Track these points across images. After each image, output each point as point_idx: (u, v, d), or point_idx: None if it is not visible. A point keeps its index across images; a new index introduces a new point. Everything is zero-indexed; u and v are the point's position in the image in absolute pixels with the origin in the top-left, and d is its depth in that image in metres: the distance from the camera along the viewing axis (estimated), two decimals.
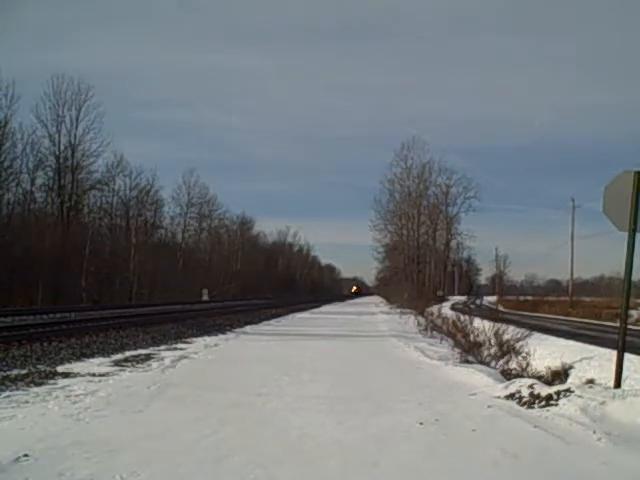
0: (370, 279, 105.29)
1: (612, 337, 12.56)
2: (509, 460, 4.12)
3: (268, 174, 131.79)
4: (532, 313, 39.11)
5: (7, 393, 6.11)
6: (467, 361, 9.89)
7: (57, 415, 5.17)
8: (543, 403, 5.89)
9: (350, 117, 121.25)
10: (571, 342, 15.24)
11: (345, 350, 11.98)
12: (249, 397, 6.27)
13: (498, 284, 77.59)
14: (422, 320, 20.94)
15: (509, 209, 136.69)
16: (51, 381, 6.91)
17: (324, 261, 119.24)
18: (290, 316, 25.32)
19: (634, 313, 26.64)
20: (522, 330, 10.75)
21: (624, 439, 4.64)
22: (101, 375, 7.48)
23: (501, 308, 41.06)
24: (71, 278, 30.10)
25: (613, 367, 6.53)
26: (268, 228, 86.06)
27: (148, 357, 9.47)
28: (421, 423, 5.15)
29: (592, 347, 13.24)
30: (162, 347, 11.07)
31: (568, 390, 5.99)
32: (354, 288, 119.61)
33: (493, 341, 10.47)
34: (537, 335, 13.45)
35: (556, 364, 10.57)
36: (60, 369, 7.86)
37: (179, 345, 11.57)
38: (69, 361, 8.73)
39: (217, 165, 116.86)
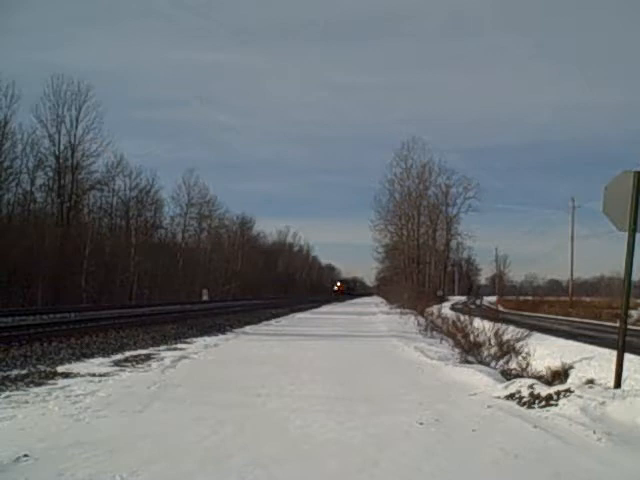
0: (370, 279, 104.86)
1: (612, 337, 12.56)
2: (509, 460, 4.12)
3: (268, 174, 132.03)
4: (532, 313, 39.12)
5: (7, 393, 6.10)
6: (467, 361, 9.89)
7: (57, 415, 5.17)
8: (543, 403, 5.89)
9: (350, 117, 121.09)
10: (571, 342, 15.24)
11: (345, 350, 11.98)
12: (249, 397, 6.27)
13: (498, 284, 77.65)
14: (422, 320, 20.93)
15: (509, 209, 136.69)
16: (51, 381, 6.90)
17: (324, 261, 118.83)
18: (290, 316, 25.31)
19: (634, 313, 26.64)
20: (522, 330, 10.75)
21: (624, 439, 4.64)
22: (101, 375, 7.47)
23: (501, 308, 41.08)
24: (71, 278, 30.10)
25: (613, 367, 6.53)
26: (268, 228, 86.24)
27: (148, 357, 9.46)
28: (421, 423, 5.15)
29: (592, 347, 13.24)
30: (162, 347, 11.06)
31: (568, 390, 5.99)
32: (338, 285, 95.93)
33: (493, 341, 10.47)
34: (537, 335, 13.45)
35: (556, 364, 10.57)
36: (60, 369, 7.85)
37: (179, 345, 11.56)
38: (69, 361, 8.72)
39: (217, 165, 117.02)
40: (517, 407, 5.96)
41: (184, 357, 9.60)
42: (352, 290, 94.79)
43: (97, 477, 3.58)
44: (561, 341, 15.54)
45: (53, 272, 28.20)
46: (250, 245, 70.48)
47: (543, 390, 6.22)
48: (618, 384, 6.31)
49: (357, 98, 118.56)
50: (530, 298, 56.66)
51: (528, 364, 10.06)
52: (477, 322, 11.99)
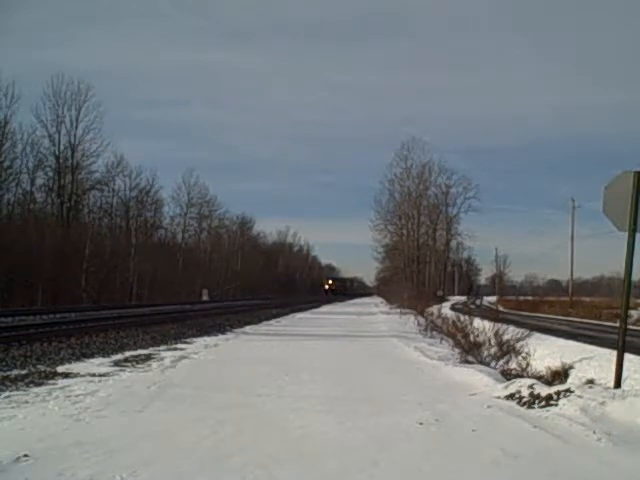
0: (370, 279, 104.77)
1: (612, 337, 12.56)
2: (509, 460, 4.12)
3: (268, 174, 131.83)
4: (532, 313, 39.08)
5: (7, 393, 6.10)
6: (467, 361, 9.88)
7: (57, 415, 5.17)
8: (543, 403, 5.89)
9: (350, 117, 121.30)
10: (571, 342, 15.24)
11: (345, 350, 11.98)
12: (249, 397, 6.27)
13: (498, 284, 77.63)
14: (422, 320, 20.93)
15: (509, 209, 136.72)
16: (51, 381, 6.90)
17: (324, 261, 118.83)
18: (290, 316, 25.31)
19: (634, 313, 26.63)
20: (522, 330, 10.73)
21: (624, 439, 4.64)
22: (101, 375, 7.47)
23: (501, 308, 40.96)
24: (71, 278, 30.08)
25: (613, 367, 6.53)
26: (268, 228, 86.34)
27: (148, 357, 9.46)
28: (421, 423, 5.15)
29: (592, 347, 13.24)
30: (162, 347, 11.06)
31: (568, 390, 5.99)
32: (329, 284, 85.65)
33: (493, 341, 10.46)
34: (537, 335, 13.43)
35: (556, 364, 10.56)
36: (60, 369, 7.85)
37: (179, 345, 11.56)
38: (69, 361, 8.71)
39: (217, 165, 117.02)
40: (517, 407, 5.96)
41: (184, 357, 9.60)
42: (346, 290, 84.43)
43: (97, 477, 3.58)
44: (561, 341, 15.53)
45: (53, 272, 28.19)
46: (250, 245, 70.53)
47: (543, 390, 6.22)
48: (618, 384, 6.31)
49: (357, 98, 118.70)
50: (530, 298, 56.52)
51: (528, 364, 10.04)
52: (477, 322, 11.98)
